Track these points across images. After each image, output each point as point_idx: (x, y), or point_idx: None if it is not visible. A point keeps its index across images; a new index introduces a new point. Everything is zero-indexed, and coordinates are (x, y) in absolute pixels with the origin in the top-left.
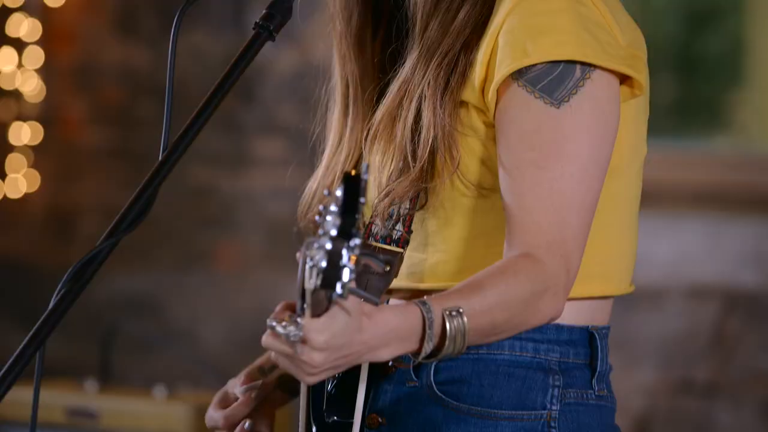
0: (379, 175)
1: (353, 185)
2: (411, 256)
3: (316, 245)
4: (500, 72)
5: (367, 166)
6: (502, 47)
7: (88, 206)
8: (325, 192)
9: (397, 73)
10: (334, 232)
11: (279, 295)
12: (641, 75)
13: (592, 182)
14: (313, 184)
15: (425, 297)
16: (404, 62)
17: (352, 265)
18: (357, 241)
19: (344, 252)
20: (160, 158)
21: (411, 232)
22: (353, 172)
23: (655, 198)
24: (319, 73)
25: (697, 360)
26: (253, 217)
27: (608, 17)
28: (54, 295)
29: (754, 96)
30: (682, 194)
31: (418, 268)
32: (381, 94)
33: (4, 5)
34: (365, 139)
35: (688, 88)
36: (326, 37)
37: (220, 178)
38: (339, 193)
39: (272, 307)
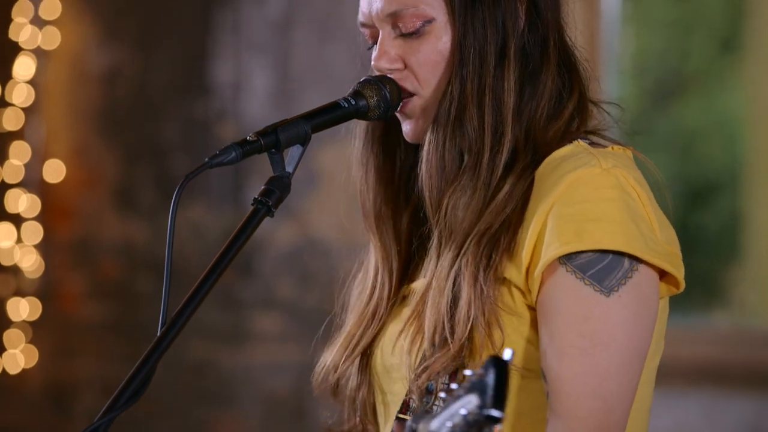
0: (408, 356)
1: (501, 369)
2: None
3: (448, 424)
4: (548, 254)
5: (513, 352)
6: (551, 229)
7: (87, 381)
8: (467, 372)
9: (425, 254)
10: (482, 413)
11: None
12: (681, 273)
13: (635, 372)
14: (329, 356)
15: None
16: (431, 242)
17: None
18: (500, 426)
19: None
20: (158, 333)
21: None
22: (501, 355)
23: None
24: (317, 248)
25: None
26: (252, 392)
27: (650, 212)
28: None
29: (752, 272)
30: (680, 370)
31: None
32: (405, 273)
33: (3, 181)
34: (389, 315)
35: (686, 263)
36: (324, 213)
37: (218, 353)
38: (481, 374)
39: None
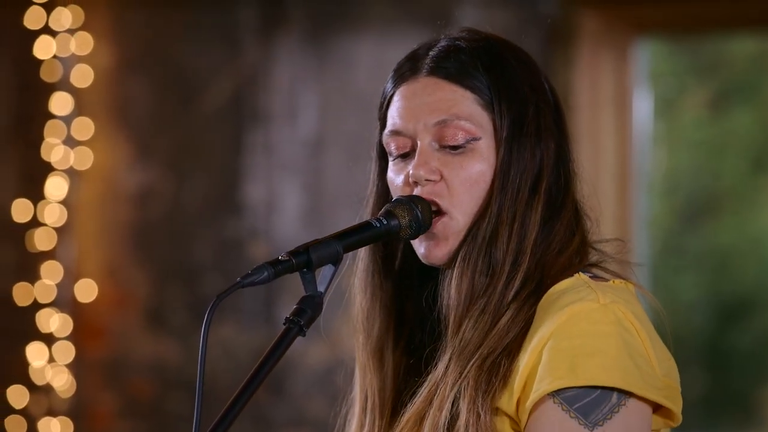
0: None
1: None
2: None
3: None
4: (541, 387)
5: None
6: (545, 363)
7: None
8: None
9: (426, 378)
10: None
11: None
12: (678, 407)
13: None
14: None
15: None
16: (436, 363)
17: None
18: None
19: None
20: None
21: None
22: None
23: None
24: (347, 370)
25: None
26: None
27: (648, 347)
28: None
29: None
30: None
31: None
32: (396, 407)
33: (35, 300)
34: None
35: (718, 383)
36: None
37: None
38: None
39: None
